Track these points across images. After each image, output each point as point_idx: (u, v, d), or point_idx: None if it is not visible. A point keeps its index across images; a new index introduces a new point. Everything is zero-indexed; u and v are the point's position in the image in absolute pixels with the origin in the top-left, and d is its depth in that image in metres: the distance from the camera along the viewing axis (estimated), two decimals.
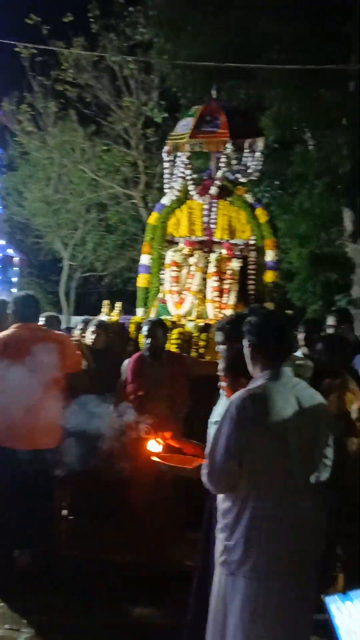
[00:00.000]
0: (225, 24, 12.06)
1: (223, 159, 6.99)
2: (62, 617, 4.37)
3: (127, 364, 5.57)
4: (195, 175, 7.28)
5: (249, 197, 7.16)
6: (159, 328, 5.45)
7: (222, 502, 2.93)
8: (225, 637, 2.82)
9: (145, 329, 5.48)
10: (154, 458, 3.71)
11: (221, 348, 4.11)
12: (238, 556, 2.78)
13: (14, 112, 17.97)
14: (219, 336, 4.10)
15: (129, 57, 15.70)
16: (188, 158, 7.09)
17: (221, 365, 3.53)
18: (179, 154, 7.17)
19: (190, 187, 7.06)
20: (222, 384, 3.53)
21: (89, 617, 4.37)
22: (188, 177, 7.07)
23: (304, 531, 2.79)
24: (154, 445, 3.73)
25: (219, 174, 7.07)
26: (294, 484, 2.76)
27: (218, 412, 4.04)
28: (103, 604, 4.52)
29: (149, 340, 5.41)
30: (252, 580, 2.74)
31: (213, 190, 7.02)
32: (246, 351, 3.03)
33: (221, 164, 7.02)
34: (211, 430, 4.03)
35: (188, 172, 7.08)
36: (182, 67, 12.82)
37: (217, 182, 7.03)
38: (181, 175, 7.12)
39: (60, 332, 5.54)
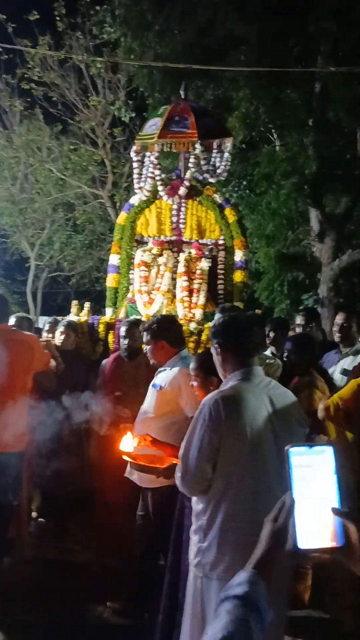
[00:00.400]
0: (192, 24, 12.06)
1: (192, 159, 7.00)
2: (30, 619, 4.33)
3: (104, 364, 5.57)
4: (164, 176, 7.28)
5: (217, 197, 7.17)
6: (137, 328, 5.43)
7: (196, 503, 2.91)
8: None
9: (122, 329, 5.47)
10: (125, 457, 3.70)
11: (147, 348, 4.34)
12: (212, 558, 2.77)
13: None
14: (144, 336, 4.34)
15: (97, 59, 15.59)
16: (157, 158, 7.09)
17: (192, 365, 3.53)
18: (147, 154, 7.15)
19: (159, 187, 7.06)
20: (193, 383, 3.53)
21: (56, 619, 4.33)
22: (157, 177, 7.06)
23: None
24: (125, 445, 3.71)
25: (188, 174, 7.08)
26: (267, 484, 2.75)
27: (144, 409, 4.18)
28: (70, 605, 4.49)
29: (126, 341, 5.40)
30: (226, 581, 2.71)
31: (182, 190, 7.02)
32: (215, 356, 3.02)
33: (190, 164, 7.03)
34: (138, 425, 4.11)
35: (157, 172, 7.07)
36: (149, 67, 12.79)
37: (186, 182, 7.04)
38: (150, 175, 7.10)
39: (28, 332, 5.48)
